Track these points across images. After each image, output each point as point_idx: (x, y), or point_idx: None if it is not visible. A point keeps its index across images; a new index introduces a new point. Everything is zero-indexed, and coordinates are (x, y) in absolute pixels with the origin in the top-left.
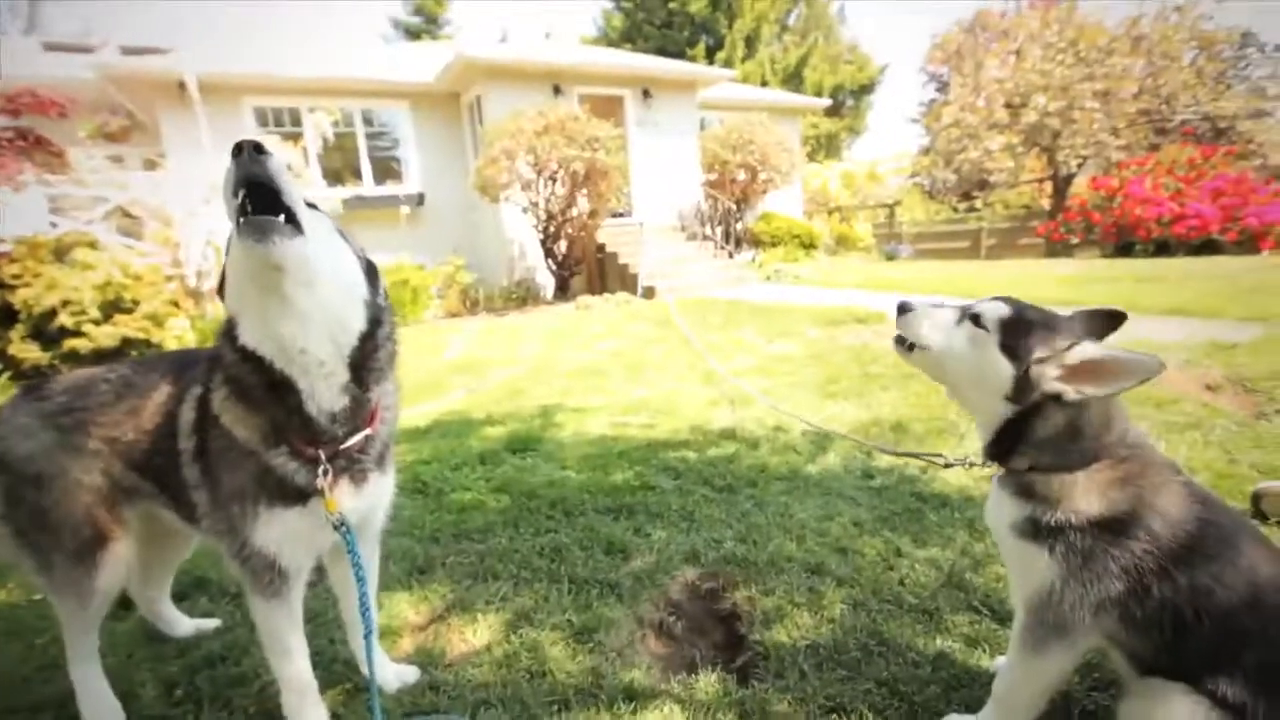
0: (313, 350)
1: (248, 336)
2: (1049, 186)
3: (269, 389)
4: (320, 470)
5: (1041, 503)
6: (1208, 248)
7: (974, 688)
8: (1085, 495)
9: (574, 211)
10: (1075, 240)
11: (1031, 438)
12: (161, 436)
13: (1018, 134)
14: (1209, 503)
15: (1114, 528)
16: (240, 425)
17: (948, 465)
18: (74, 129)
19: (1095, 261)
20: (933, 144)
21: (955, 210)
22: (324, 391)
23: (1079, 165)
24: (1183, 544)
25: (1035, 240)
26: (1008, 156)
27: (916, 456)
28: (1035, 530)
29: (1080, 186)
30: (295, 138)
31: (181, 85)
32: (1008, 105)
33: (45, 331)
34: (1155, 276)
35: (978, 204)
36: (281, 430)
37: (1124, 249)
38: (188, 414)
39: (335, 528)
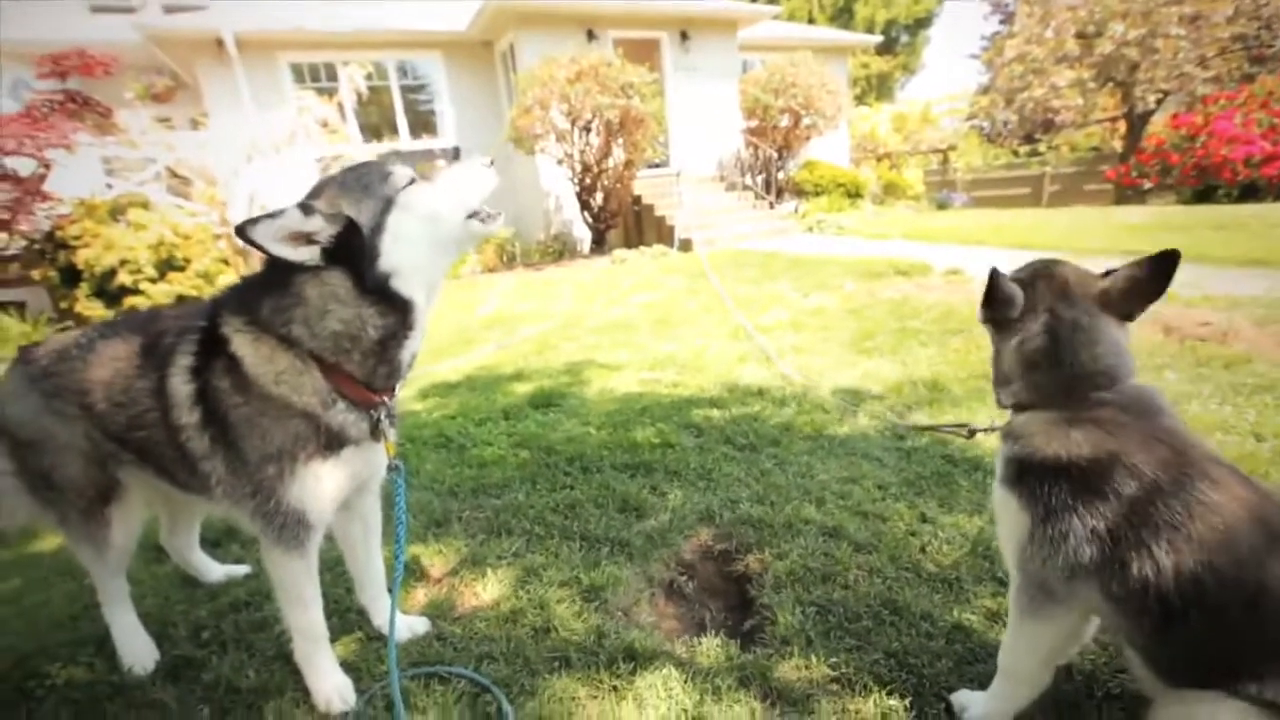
0: (438, 292)
1: (409, 287)
2: (1122, 126)
3: (380, 341)
4: (384, 414)
5: (1016, 442)
6: None
7: (989, 663)
8: (1047, 434)
9: (610, 162)
10: (1149, 185)
11: (1002, 368)
12: (142, 410)
13: (1089, 68)
14: (1208, 477)
15: (1076, 476)
16: (298, 391)
17: (971, 434)
18: (121, 90)
19: (1170, 208)
20: (993, 82)
21: (1016, 154)
22: (418, 336)
23: (1158, 101)
24: (1164, 518)
25: (1104, 186)
26: (1077, 93)
27: (935, 430)
28: (1009, 473)
29: (1158, 125)
30: (331, 93)
31: (219, 43)
32: (1080, 35)
33: (107, 290)
34: (1237, 224)
35: (1041, 147)
36: (343, 385)
37: (1204, 194)
38: (182, 388)
39: (390, 469)
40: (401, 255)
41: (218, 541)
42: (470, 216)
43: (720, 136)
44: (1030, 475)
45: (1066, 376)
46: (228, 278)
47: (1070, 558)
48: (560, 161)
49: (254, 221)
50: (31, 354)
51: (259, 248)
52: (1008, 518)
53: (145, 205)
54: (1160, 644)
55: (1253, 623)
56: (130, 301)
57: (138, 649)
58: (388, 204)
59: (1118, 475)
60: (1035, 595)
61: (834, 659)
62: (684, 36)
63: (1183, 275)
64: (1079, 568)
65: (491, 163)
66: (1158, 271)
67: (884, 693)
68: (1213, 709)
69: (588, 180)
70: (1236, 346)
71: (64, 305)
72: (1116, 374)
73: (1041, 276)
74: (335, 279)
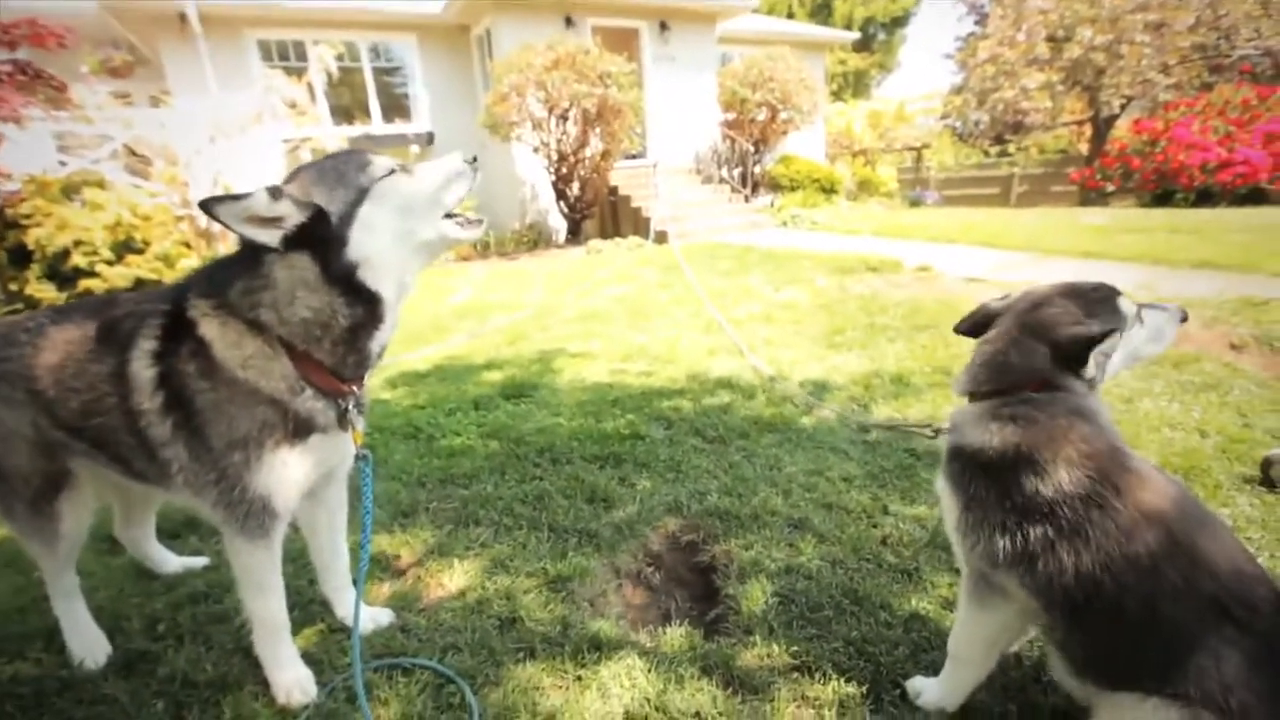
0: (410, 290)
1: (377, 280)
2: (1088, 129)
3: (349, 330)
4: (351, 403)
5: (951, 433)
6: (1254, 198)
7: (944, 651)
8: (971, 424)
9: (586, 152)
10: (1111, 188)
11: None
12: (97, 396)
13: (1058, 71)
14: (1112, 482)
15: (989, 466)
16: (266, 377)
17: (936, 433)
18: (75, 63)
19: (1130, 211)
20: (966, 82)
21: (986, 154)
22: (388, 328)
23: (1122, 106)
24: (1066, 516)
25: (1069, 188)
26: (1045, 96)
27: (895, 428)
28: (944, 461)
29: (1122, 129)
30: (300, 73)
31: (182, 17)
32: (1050, 39)
33: (60, 271)
34: (1192, 227)
35: (1010, 148)
36: (311, 373)
37: (1163, 198)
38: (144, 372)
39: (358, 458)
40: (371, 246)
41: (175, 533)
42: (449, 217)
43: (697, 129)
44: (956, 463)
45: (997, 370)
46: (189, 261)
47: (989, 546)
48: (536, 150)
49: (220, 199)
50: None
51: (223, 224)
52: (944, 504)
53: (101, 184)
54: (1071, 637)
55: (1151, 623)
56: (85, 284)
57: (88, 642)
58: (361, 194)
59: (1022, 469)
60: (979, 583)
61: (795, 647)
62: (663, 27)
63: (1139, 276)
64: (996, 557)
65: (474, 160)
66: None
67: (843, 679)
68: (1134, 713)
69: (564, 169)
70: (1186, 346)
71: (13, 287)
72: (1048, 382)
73: (1018, 300)
74: (304, 264)
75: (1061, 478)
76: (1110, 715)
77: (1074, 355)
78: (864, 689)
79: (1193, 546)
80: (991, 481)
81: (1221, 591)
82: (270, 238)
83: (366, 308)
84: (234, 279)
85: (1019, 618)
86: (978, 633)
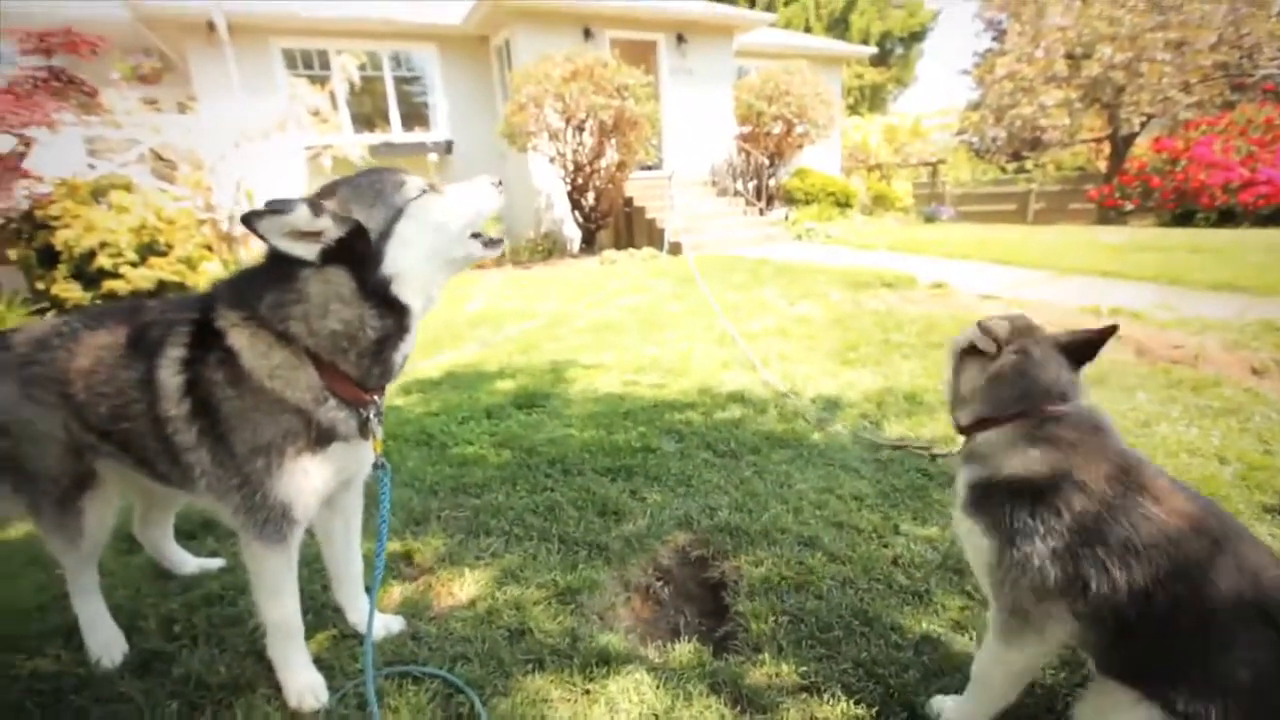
0: (435, 304)
1: (408, 294)
2: (1107, 147)
3: (377, 342)
4: (373, 412)
5: (977, 464)
6: (1277, 219)
7: (955, 676)
8: (1007, 453)
9: (602, 163)
10: (1130, 206)
11: (962, 392)
12: (127, 401)
13: (1077, 88)
14: (1151, 492)
15: (1034, 495)
16: (292, 387)
17: (933, 457)
18: (106, 70)
19: (1149, 230)
20: (984, 98)
21: (1003, 170)
22: (412, 339)
23: (1142, 125)
24: (1116, 535)
25: (1087, 205)
26: (1064, 113)
27: (901, 448)
28: (971, 498)
29: (1141, 148)
30: (323, 81)
31: (210, 25)
32: (1068, 56)
33: (85, 272)
34: (1212, 248)
35: (1028, 165)
36: (336, 383)
37: (1183, 217)
38: (171, 379)
39: (377, 466)
40: (404, 262)
41: (193, 534)
42: (474, 236)
43: (713, 141)
44: (992, 499)
45: (1023, 390)
46: (211, 264)
47: (1036, 579)
48: (553, 160)
49: (260, 214)
50: (9, 340)
51: (263, 239)
52: (973, 543)
53: (128, 187)
54: (1115, 652)
55: (1196, 633)
56: (109, 285)
57: (106, 641)
58: (398, 213)
59: (1071, 493)
60: (1010, 622)
61: (804, 667)
62: (680, 40)
63: (1158, 296)
64: (1043, 587)
65: (500, 183)
66: (1100, 338)
67: (852, 701)
68: (1127, 711)
69: (579, 180)
70: (1206, 369)
71: (40, 286)
72: (1066, 396)
73: (1016, 324)
74: (340, 278)
75: (1106, 493)
76: (1099, 698)
77: (1086, 355)
78: (873, 711)
79: (1237, 552)
80: (1040, 510)
81: (1267, 600)
82: (308, 252)
83: (396, 320)
84: (264, 291)
85: (1047, 655)
86: (1007, 668)
